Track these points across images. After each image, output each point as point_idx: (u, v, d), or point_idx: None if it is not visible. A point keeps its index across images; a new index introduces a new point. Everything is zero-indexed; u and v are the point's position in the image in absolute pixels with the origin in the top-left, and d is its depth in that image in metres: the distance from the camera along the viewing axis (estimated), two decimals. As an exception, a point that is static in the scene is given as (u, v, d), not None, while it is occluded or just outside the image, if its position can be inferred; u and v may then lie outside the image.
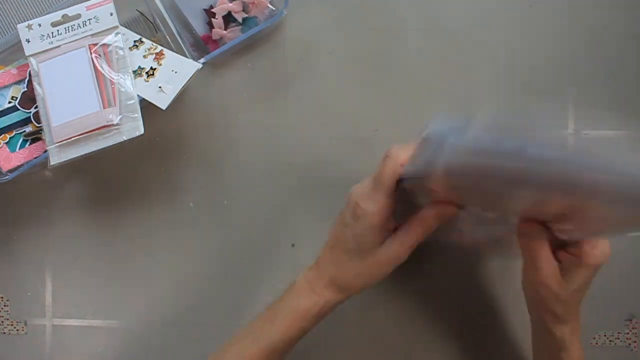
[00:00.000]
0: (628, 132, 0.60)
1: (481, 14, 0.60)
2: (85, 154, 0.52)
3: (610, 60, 0.60)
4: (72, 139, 0.51)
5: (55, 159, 0.51)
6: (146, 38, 0.54)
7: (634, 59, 0.60)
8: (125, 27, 0.54)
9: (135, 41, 0.54)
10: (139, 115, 0.51)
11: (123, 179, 0.60)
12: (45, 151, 0.52)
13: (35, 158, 0.54)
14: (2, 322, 0.59)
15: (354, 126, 0.60)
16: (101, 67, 0.52)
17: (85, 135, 0.51)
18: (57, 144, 0.51)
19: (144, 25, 0.57)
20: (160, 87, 0.52)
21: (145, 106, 0.52)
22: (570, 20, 0.60)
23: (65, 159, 0.51)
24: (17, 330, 0.59)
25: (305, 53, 0.60)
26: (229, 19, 0.58)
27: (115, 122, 0.51)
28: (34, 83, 0.52)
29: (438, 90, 0.60)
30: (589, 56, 0.60)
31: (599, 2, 0.60)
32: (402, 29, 0.60)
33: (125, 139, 0.51)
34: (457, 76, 0.60)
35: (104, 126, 0.51)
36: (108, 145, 0.51)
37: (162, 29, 0.56)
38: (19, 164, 0.54)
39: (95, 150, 0.51)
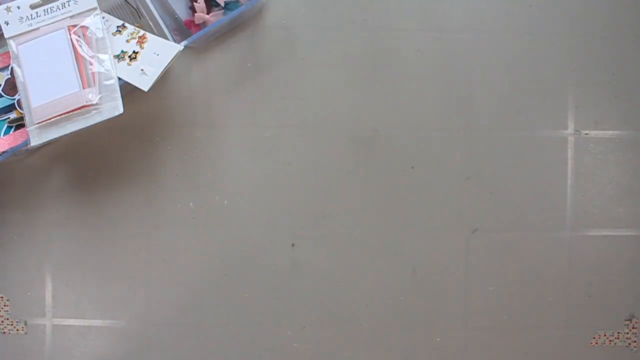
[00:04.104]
0: (628, 132, 0.60)
1: (481, 14, 0.60)
2: (66, 134, 0.51)
3: (611, 60, 0.60)
4: (53, 119, 0.51)
5: (35, 140, 0.51)
6: (129, 24, 0.54)
7: (634, 59, 0.60)
8: (109, 13, 0.54)
9: (118, 26, 0.54)
10: (118, 94, 0.51)
11: (122, 179, 0.60)
12: (30, 137, 0.52)
13: (20, 144, 0.54)
14: (2, 322, 0.59)
15: (353, 126, 0.60)
16: (80, 48, 0.52)
17: (66, 115, 0.51)
18: (37, 125, 0.51)
19: (127, 11, 0.58)
20: (142, 70, 0.52)
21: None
22: (571, 20, 0.60)
23: (46, 140, 0.52)
24: (17, 330, 0.59)
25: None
26: (211, 3, 0.58)
27: (94, 102, 0.51)
28: (14, 65, 0.52)
29: (438, 90, 0.60)
30: (589, 56, 0.60)
31: (599, 2, 0.60)
32: (402, 28, 0.60)
33: (105, 118, 0.51)
34: (457, 76, 0.60)
35: (84, 106, 0.51)
36: (88, 125, 0.51)
37: (145, 14, 0.55)
38: (3, 149, 0.54)
39: (76, 131, 0.51)
